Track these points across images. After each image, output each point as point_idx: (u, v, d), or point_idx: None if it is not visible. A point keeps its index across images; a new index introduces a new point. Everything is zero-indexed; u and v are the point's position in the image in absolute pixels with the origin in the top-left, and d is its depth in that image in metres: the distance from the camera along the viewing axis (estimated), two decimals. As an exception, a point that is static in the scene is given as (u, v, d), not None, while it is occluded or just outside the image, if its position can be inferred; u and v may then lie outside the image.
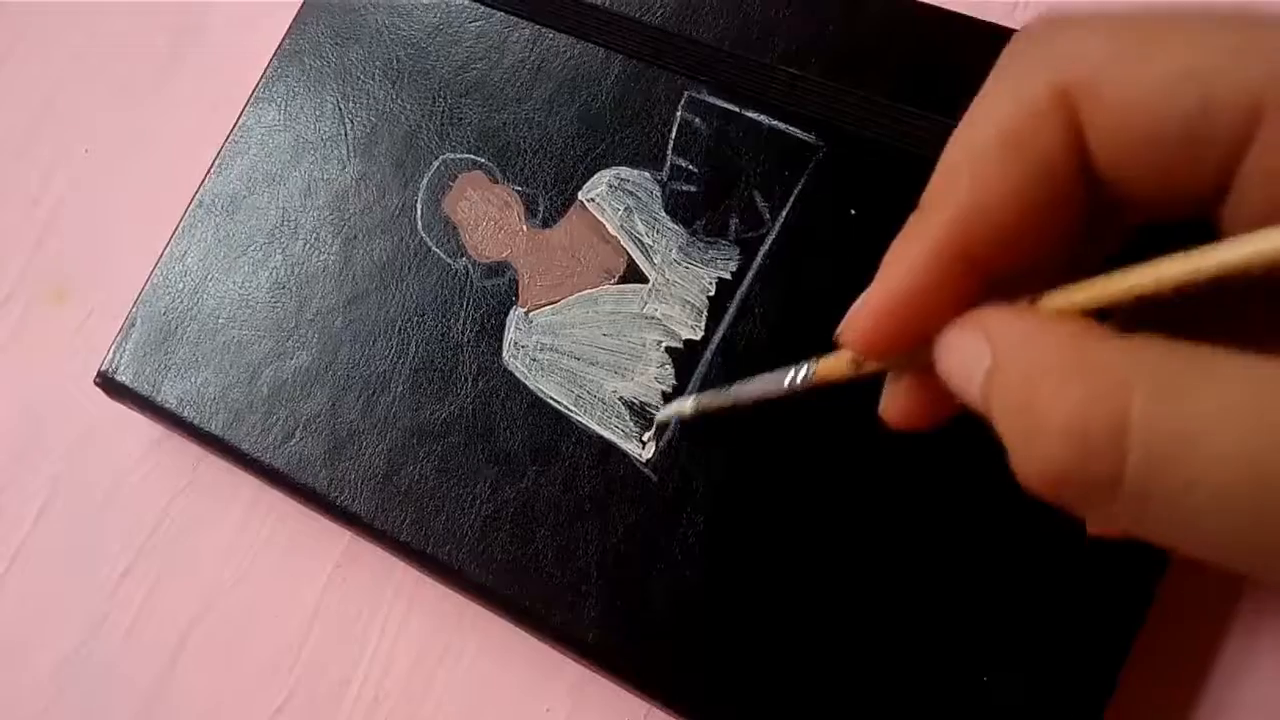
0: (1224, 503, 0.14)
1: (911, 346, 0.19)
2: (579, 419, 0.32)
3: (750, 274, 0.32)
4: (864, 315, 0.19)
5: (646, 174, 0.33)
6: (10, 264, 0.42)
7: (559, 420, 0.32)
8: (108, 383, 0.36)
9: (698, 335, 0.32)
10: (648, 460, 0.31)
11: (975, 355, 0.17)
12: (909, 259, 0.18)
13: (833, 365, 0.22)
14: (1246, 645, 0.30)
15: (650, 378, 0.32)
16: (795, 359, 0.31)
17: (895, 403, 0.21)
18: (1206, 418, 0.14)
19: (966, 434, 0.29)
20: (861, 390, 0.30)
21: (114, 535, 0.38)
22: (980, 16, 0.32)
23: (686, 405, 0.28)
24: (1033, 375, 0.16)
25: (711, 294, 0.32)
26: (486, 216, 0.34)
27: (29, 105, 0.44)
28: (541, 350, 0.33)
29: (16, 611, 0.38)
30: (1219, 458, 0.14)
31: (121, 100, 0.43)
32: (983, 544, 0.29)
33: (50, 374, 0.40)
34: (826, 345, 0.31)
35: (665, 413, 0.31)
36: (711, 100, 0.33)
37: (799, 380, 0.24)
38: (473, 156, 0.35)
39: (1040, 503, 0.29)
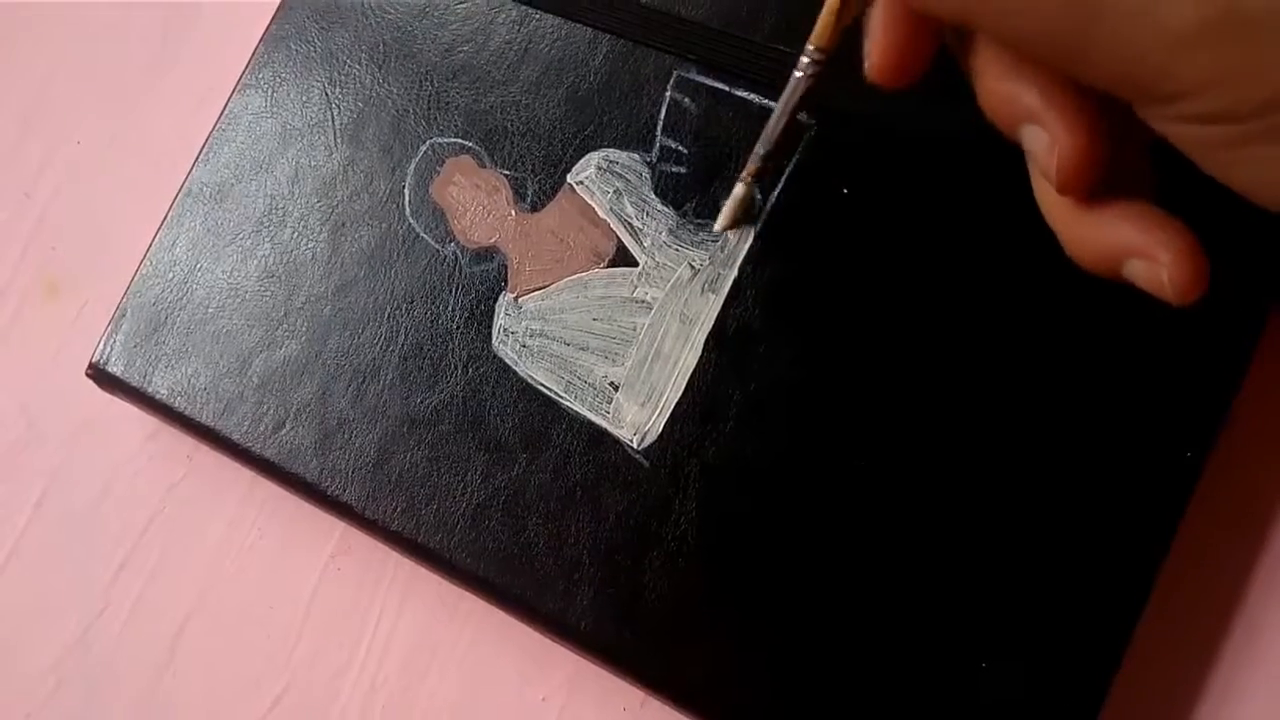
0: None
1: None
2: (569, 405, 0.32)
3: (741, 256, 0.31)
4: None
5: (635, 156, 0.33)
6: (3, 258, 0.42)
7: (549, 407, 0.32)
8: (99, 374, 0.36)
9: (689, 319, 0.32)
10: (639, 446, 0.31)
11: None
12: None
13: (822, 28, 0.25)
14: (1249, 634, 0.29)
15: (641, 362, 0.32)
16: (789, 341, 0.31)
17: (876, 52, 0.23)
18: None
19: (969, 423, 0.29)
20: (859, 382, 0.30)
21: (110, 528, 0.38)
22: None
23: (737, 190, 0.30)
24: None
25: (703, 276, 0.32)
26: (475, 201, 0.34)
27: (19, 98, 0.44)
28: (531, 336, 0.33)
29: (13, 605, 0.38)
30: None
31: (113, 91, 0.43)
32: (983, 531, 0.28)
33: (45, 368, 0.40)
34: (820, 327, 0.30)
35: (723, 218, 0.31)
36: (701, 79, 0.33)
37: (802, 66, 0.26)
38: (460, 140, 0.34)
39: (1042, 491, 0.28)
